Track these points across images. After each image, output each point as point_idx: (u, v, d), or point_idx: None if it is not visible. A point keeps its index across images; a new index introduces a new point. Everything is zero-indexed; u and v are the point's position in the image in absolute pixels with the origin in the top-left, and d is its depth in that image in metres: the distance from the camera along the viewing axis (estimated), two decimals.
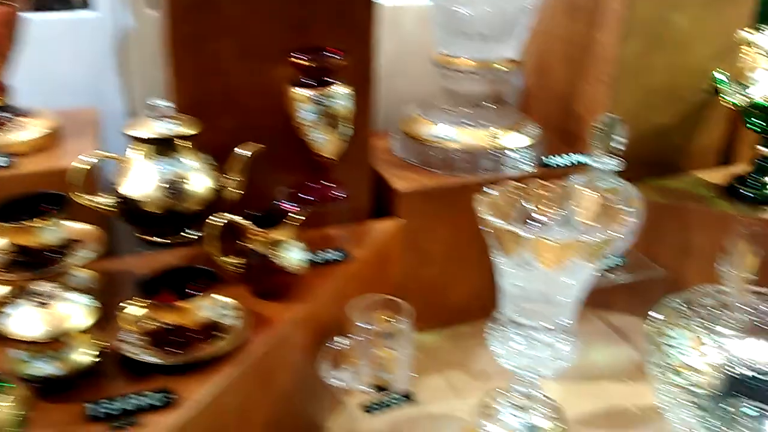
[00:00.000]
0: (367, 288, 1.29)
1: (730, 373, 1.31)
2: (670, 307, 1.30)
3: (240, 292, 1.13)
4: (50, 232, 1.02)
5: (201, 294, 1.00)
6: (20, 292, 0.96)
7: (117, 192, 1.11)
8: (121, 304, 1.02)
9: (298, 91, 1.15)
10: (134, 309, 1.02)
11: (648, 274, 1.44)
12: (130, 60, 1.48)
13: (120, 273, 1.17)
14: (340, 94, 1.16)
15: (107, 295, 1.08)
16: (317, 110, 1.14)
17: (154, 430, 0.89)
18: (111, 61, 1.49)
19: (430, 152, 1.47)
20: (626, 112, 1.50)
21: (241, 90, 1.22)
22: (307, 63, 1.12)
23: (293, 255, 1.11)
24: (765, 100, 1.44)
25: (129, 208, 1.11)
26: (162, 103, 1.10)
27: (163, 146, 1.10)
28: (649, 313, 1.30)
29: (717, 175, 1.65)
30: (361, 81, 1.27)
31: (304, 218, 1.10)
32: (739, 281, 1.43)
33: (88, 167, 1.09)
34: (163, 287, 1.03)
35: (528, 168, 1.49)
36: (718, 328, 1.34)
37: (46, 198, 1.04)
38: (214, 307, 1.05)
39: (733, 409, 1.26)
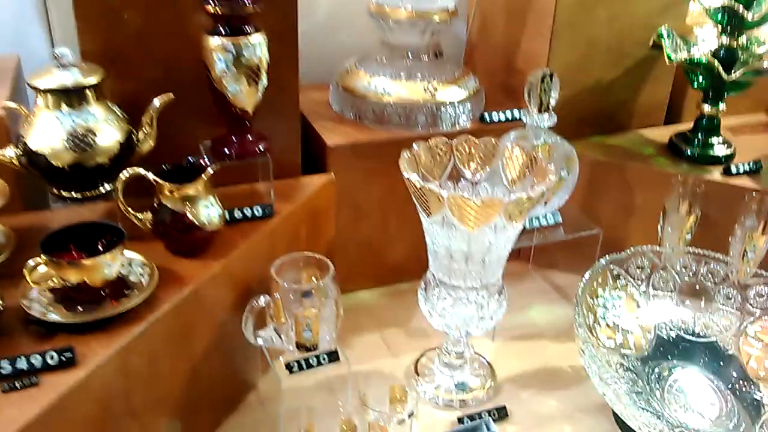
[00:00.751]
0: (298, 245, 1.26)
1: (661, 335, 1.30)
2: (603, 267, 1.29)
3: (156, 249, 1.10)
4: None
5: (107, 251, 0.96)
6: None
7: (25, 145, 1.06)
8: (29, 261, 0.98)
9: (212, 40, 1.09)
10: (38, 266, 0.99)
11: (585, 233, 1.42)
12: (50, 5, 1.41)
13: (30, 229, 1.12)
14: (256, 44, 1.10)
15: (16, 252, 1.04)
16: (232, 60, 1.09)
17: (52, 390, 0.86)
18: (35, 6, 1.42)
19: (364, 106, 1.43)
20: (567, 67, 1.47)
21: (156, 39, 1.16)
22: (220, 10, 1.07)
23: (208, 211, 1.07)
24: (707, 58, 1.41)
25: (36, 161, 1.06)
26: (66, 51, 1.05)
27: (68, 97, 1.04)
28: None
29: (662, 133, 1.63)
30: (283, 30, 1.22)
31: (213, 172, 1.06)
32: (677, 241, 1.42)
33: None
34: (71, 244, 0.99)
35: (466, 123, 1.45)
36: (652, 289, 1.33)
37: None
38: (123, 264, 1.01)
39: (662, 371, 1.25)
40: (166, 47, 1.17)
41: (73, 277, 0.95)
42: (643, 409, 1.06)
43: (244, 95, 1.14)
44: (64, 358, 0.89)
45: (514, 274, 1.62)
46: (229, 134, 1.20)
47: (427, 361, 1.33)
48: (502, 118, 1.47)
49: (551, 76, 1.30)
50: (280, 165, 1.30)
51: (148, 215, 1.07)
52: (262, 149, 1.20)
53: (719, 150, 1.53)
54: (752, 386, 1.22)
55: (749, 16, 1.39)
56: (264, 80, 1.15)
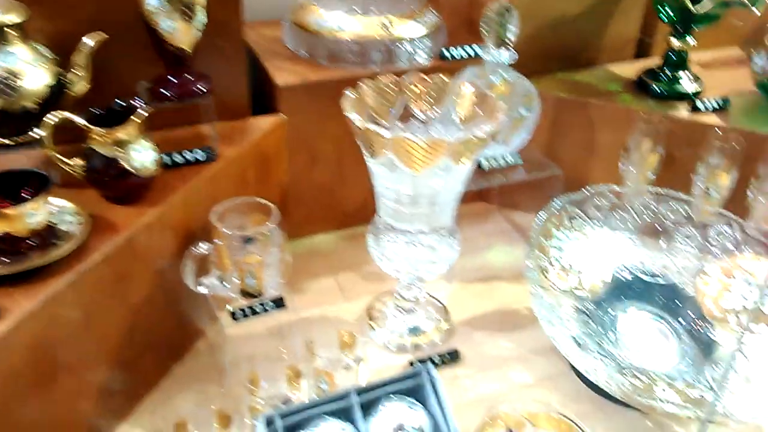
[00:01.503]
0: (246, 190, 1.22)
1: (617, 276, 1.28)
2: (559, 208, 1.26)
3: (90, 196, 1.06)
4: None
5: (32, 199, 0.93)
6: None
7: None
8: None
9: None
10: None
11: (546, 173, 1.38)
12: None
13: None
14: None
15: None
16: None
17: None
18: None
19: (318, 43, 1.37)
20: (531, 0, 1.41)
21: None
22: None
23: (142, 156, 1.03)
24: None
25: None
26: None
27: None
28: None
29: (630, 69, 1.58)
30: None
31: (147, 114, 1.01)
32: (639, 180, 1.39)
33: None
34: None
35: (424, 60, 1.40)
36: (610, 230, 1.30)
37: None
38: (51, 213, 0.97)
39: (618, 313, 1.23)
40: None
41: None
42: (591, 351, 1.05)
43: (180, 32, 1.08)
44: None
45: (478, 215, 1.60)
46: (168, 74, 1.14)
47: (380, 306, 1.31)
48: (463, 54, 1.41)
49: (509, 9, 1.24)
50: (227, 106, 1.25)
51: (79, 161, 1.02)
52: (203, 89, 1.15)
53: (687, 86, 1.48)
54: (708, 326, 1.20)
55: None
56: (200, 16, 1.09)
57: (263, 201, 1.13)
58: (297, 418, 0.88)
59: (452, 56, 1.40)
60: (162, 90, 1.13)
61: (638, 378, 1.02)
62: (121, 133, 1.00)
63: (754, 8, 1.35)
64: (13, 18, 1.00)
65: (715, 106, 1.44)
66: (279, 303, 1.13)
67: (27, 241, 0.94)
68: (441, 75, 1.14)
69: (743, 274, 1.22)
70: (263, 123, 1.29)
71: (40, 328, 0.89)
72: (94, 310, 0.98)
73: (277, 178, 1.35)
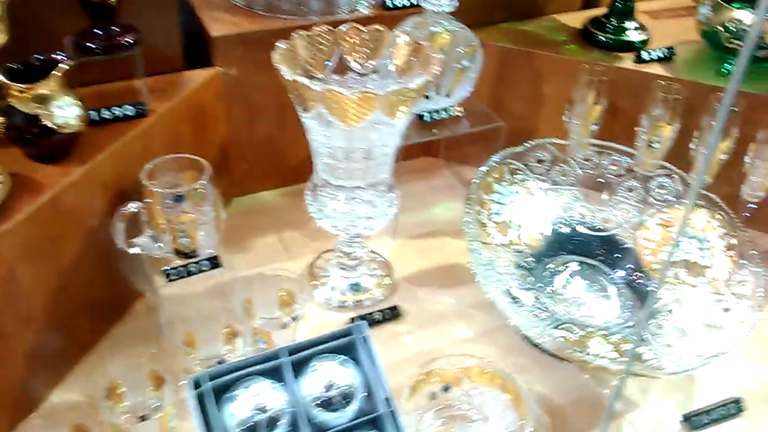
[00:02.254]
0: (181, 147, 1.18)
1: (558, 230, 1.28)
2: (499, 162, 1.25)
3: (14, 155, 1.02)
4: None
5: None
6: None
7: None
8: None
9: None
10: None
11: (489, 126, 1.37)
12: None
13: None
14: None
15: None
16: None
17: None
18: None
19: None
20: None
21: None
22: None
23: (65, 112, 0.99)
24: None
25: None
26: None
27: None
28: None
29: (577, 19, 1.55)
30: None
31: (69, 68, 0.97)
32: (582, 133, 1.38)
33: None
34: None
35: (365, 9, 1.36)
36: (552, 183, 1.30)
37: None
38: None
39: (557, 267, 1.24)
40: None
41: None
42: (525, 306, 1.05)
43: None
44: None
45: (424, 170, 1.58)
46: (92, 27, 1.09)
47: (323, 263, 1.29)
48: (405, 2, 1.37)
49: None
50: (159, 60, 1.21)
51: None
52: (130, 42, 1.10)
53: (633, 36, 1.47)
54: (648, 279, 1.21)
55: None
56: None
57: (196, 157, 1.10)
58: (226, 378, 0.87)
59: (394, 5, 1.36)
60: (87, 43, 1.09)
61: (572, 332, 1.02)
62: (42, 89, 0.96)
63: None
64: None
65: (661, 56, 1.43)
66: (214, 262, 1.10)
67: None
68: (377, 26, 1.10)
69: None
70: (197, 76, 1.25)
71: None
72: (20, 272, 0.95)
73: (215, 133, 1.31)
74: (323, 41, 1.10)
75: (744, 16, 1.37)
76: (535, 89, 1.47)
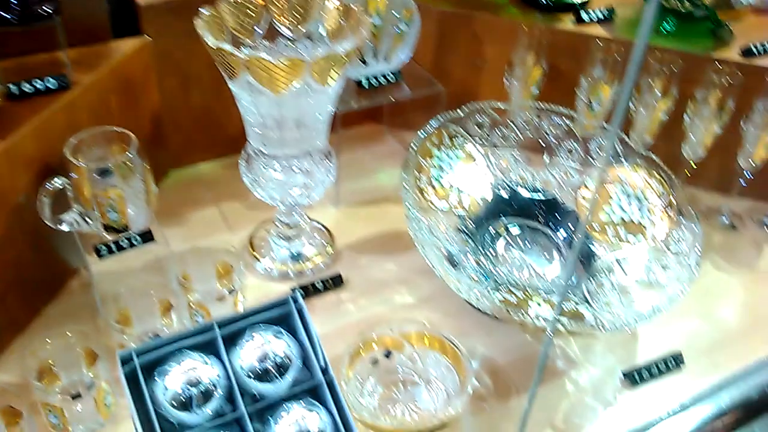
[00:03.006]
0: (110, 119, 1.14)
1: (498, 194, 1.27)
2: (438, 127, 1.23)
3: None
4: None
5: None
6: None
7: None
8: None
9: None
10: None
11: (429, 90, 1.35)
12: None
13: None
14: None
15: None
16: None
17: None
18: None
19: None
20: None
21: None
22: None
23: None
24: None
25: None
26: None
27: None
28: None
29: None
30: None
31: None
32: (523, 95, 1.37)
33: None
34: None
35: None
36: (491, 147, 1.29)
37: None
38: None
39: (498, 230, 1.23)
40: None
41: None
42: (463, 270, 1.05)
43: None
44: None
45: (368, 137, 1.57)
46: None
47: (263, 234, 1.27)
48: None
49: None
50: (83, 30, 1.17)
51: None
52: (47, 11, 1.06)
53: None
54: (589, 240, 1.21)
55: None
56: None
57: (123, 130, 1.07)
58: (156, 354, 0.85)
59: None
60: (3, 14, 1.04)
61: (512, 293, 1.02)
62: None
63: None
64: None
65: (600, 17, 1.42)
66: (147, 237, 1.08)
67: None
68: None
69: (622, 186, 1.23)
70: (125, 46, 1.21)
71: None
72: None
73: (147, 105, 1.27)
74: (251, 7, 1.07)
75: None
76: (476, 52, 1.45)
